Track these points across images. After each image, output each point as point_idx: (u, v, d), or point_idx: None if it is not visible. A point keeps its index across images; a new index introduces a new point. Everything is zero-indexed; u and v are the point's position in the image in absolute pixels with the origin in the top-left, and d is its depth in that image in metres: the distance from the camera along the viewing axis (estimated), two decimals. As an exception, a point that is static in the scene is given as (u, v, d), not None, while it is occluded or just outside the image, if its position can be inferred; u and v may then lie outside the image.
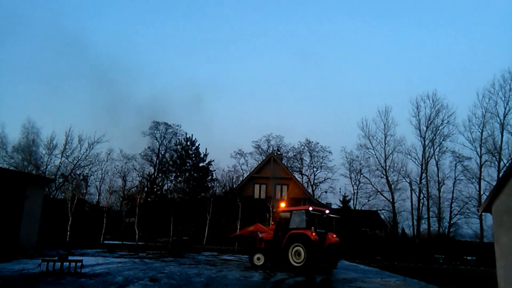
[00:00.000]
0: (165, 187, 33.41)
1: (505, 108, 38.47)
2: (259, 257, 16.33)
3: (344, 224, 32.47)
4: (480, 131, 39.55)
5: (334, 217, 17.34)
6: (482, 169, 39.04)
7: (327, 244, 15.70)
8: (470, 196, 39.82)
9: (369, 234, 35.47)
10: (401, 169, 42.71)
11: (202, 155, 32.44)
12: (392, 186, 42.51)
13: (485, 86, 44.36)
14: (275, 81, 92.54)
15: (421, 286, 12.96)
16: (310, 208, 15.85)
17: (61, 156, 30.62)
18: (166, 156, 40.39)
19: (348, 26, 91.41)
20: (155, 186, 32.61)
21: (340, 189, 55.84)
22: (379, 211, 40.91)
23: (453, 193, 40.70)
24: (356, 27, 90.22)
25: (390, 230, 39.41)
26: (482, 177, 38.90)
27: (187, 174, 31.65)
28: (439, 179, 41.46)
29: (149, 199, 30.75)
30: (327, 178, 48.40)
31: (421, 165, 42.08)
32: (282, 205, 19.23)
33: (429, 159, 41.98)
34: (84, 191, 32.02)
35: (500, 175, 25.25)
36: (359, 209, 42.15)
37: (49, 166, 30.51)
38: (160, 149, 45.58)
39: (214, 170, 33.97)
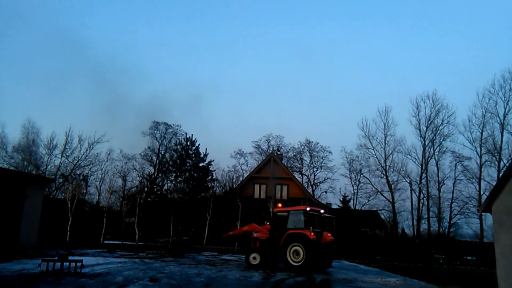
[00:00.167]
0: (165, 187, 33.46)
1: (505, 108, 38.45)
2: (255, 257, 16.55)
3: (344, 224, 32.50)
4: (480, 131, 39.54)
5: (330, 217, 17.65)
6: (482, 169, 39.02)
7: (323, 243, 16.01)
8: (470, 196, 39.81)
9: (369, 234, 35.46)
10: (401, 169, 42.72)
11: (202, 155, 32.45)
12: (392, 186, 42.50)
13: (485, 86, 44.35)
14: (275, 81, 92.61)
15: (421, 286, 12.96)
16: (308, 208, 16.21)
17: (61, 156, 30.67)
18: (166, 156, 40.43)
19: (348, 26, 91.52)
20: (155, 186, 32.61)
21: (340, 189, 56.02)
22: (379, 211, 40.88)
23: (453, 193, 40.71)
24: (356, 27, 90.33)
25: (390, 230, 39.39)
26: (482, 177, 38.87)
27: (187, 174, 31.65)
28: (439, 179, 41.46)
29: (149, 199, 30.74)
30: (327, 178, 48.43)
31: (421, 165, 42.07)
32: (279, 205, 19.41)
33: (429, 159, 41.97)
34: (84, 191, 32.04)
35: (500, 175, 25.23)
36: (359, 209, 42.10)
37: (49, 166, 30.57)
38: (160, 149, 45.64)
39: (214, 170, 34.02)
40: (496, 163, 38.27)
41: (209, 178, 32.64)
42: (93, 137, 31.69)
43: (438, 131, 41.81)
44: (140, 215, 26.47)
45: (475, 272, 21.88)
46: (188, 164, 32.08)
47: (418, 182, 41.65)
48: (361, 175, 44.83)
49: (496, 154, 38.17)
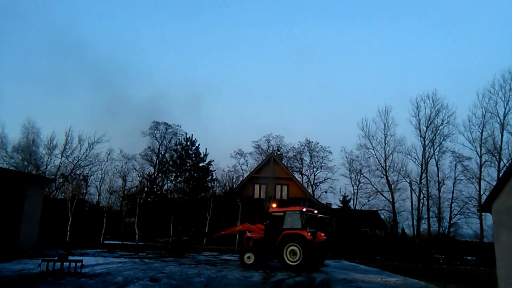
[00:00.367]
0: (165, 187, 33.43)
1: (505, 108, 38.44)
2: (249, 256, 16.69)
3: (344, 224, 32.51)
4: (480, 131, 39.52)
5: (323, 217, 18.28)
6: (482, 169, 39.00)
7: (317, 243, 16.28)
8: (470, 196, 39.82)
9: (369, 234, 35.46)
10: (401, 169, 42.71)
11: (202, 155, 32.43)
12: (392, 186, 42.49)
13: (485, 86, 44.36)
14: (275, 81, 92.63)
15: (421, 286, 12.96)
16: (304, 209, 16.65)
17: (61, 156, 30.67)
18: (166, 156, 40.41)
19: (348, 26, 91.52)
20: (155, 186, 32.59)
21: (340, 189, 55.85)
22: (379, 211, 40.87)
23: (453, 193, 40.72)
24: (356, 27, 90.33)
25: (390, 230, 39.38)
26: (482, 177, 38.85)
27: (187, 174, 31.63)
28: (439, 179, 41.46)
29: (149, 199, 30.72)
30: (327, 178, 48.42)
31: (421, 165, 42.07)
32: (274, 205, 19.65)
33: (429, 159, 41.97)
34: (84, 191, 32.03)
35: (500, 175, 25.24)
36: (359, 209, 42.11)
37: (49, 166, 30.57)
38: (160, 149, 45.66)
39: (214, 170, 33.98)
40: (496, 163, 38.31)
41: (209, 178, 32.62)
42: (93, 137, 31.73)
43: (438, 131, 41.86)
44: (140, 215, 26.46)
45: (475, 272, 21.88)
46: (188, 164, 32.06)
47: (418, 182, 41.69)
48: (361, 175, 44.89)
49: (496, 154, 38.18)
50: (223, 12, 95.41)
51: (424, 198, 41.58)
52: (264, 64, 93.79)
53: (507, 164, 33.07)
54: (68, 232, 22.84)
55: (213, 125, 77.07)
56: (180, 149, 32.91)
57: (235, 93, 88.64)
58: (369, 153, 44.14)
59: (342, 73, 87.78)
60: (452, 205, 40.77)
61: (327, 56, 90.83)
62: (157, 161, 43.78)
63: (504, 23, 72.42)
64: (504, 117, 38.24)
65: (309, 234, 15.58)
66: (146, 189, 31.92)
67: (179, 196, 30.73)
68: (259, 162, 40.43)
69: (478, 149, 39.41)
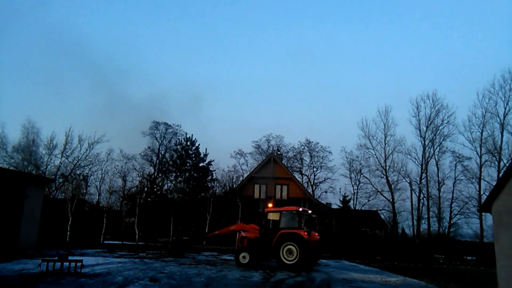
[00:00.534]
0: (165, 187, 33.42)
1: (505, 108, 38.44)
2: (244, 256, 16.82)
3: (344, 224, 32.50)
4: (480, 131, 39.53)
5: (315, 217, 18.77)
6: (482, 169, 39.00)
7: (312, 242, 16.46)
8: (470, 196, 39.80)
9: (369, 234, 35.45)
10: (401, 169, 42.70)
11: (202, 155, 32.43)
12: (392, 186, 42.49)
13: (485, 86, 44.32)
14: (275, 81, 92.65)
15: (421, 286, 12.96)
16: (300, 209, 16.91)
17: (61, 156, 30.61)
18: (166, 156, 40.39)
19: (348, 26, 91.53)
20: (155, 186, 32.59)
21: (340, 189, 55.78)
22: (379, 211, 40.85)
23: (453, 193, 40.69)
24: (356, 26, 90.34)
25: (390, 230, 39.36)
26: (482, 177, 38.85)
27: (187, 174, 31.63)
28: (439, 179, 41.45)
29: (149, 199, 30.72)
30: (327, 178, 48.38)
31: (421, 165, 42.06)
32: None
33: (429, 159, 41.96)
34: (84, 191, 32.00)
35: (500, 175, 25.26)
36: (359, 209, 42.09)
37: (49, 166, 30.51)
38: (160, 149, 45.61)
39: (214, 170, 33.97)
40: (496, 163, 38.31)
41: (209, 178, 32.62)
42: (93, 137, 31.63)
43: (438, 131, 41.86)
44: (140, 215, 26.46)
45: (475, 272, 21.87)
46: (188, 164, 32.06)
47: (418, 182, 41.68)
48: (361, 175, 44.86)
49: (496, 154, 38.18)
50: (223, 12, 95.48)
51: (424, 198, 41.62)
52: (264, 64, 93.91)
53: (507, 164, 33.08)
54: (68, 232, 22.84)
55: (213, 125, 77.20)
56: (180, 149, 32.91)
57: (235, 93, 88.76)
58: (369, 153, 44.20)
59: (342, 73, 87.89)
60: (452, 205, 40.83)
61: (327, 56, 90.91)
62: (157, 161, 43.77)
63: (504, 23, 72.44)
64: (504, 117, 38.30)
65: (305, 233, 15.85)
66: (146, 189, 31.92)
67: (179, 196, 30.73)
68: (259, 162, 40.43)
69: (478, 149, 39.48)
